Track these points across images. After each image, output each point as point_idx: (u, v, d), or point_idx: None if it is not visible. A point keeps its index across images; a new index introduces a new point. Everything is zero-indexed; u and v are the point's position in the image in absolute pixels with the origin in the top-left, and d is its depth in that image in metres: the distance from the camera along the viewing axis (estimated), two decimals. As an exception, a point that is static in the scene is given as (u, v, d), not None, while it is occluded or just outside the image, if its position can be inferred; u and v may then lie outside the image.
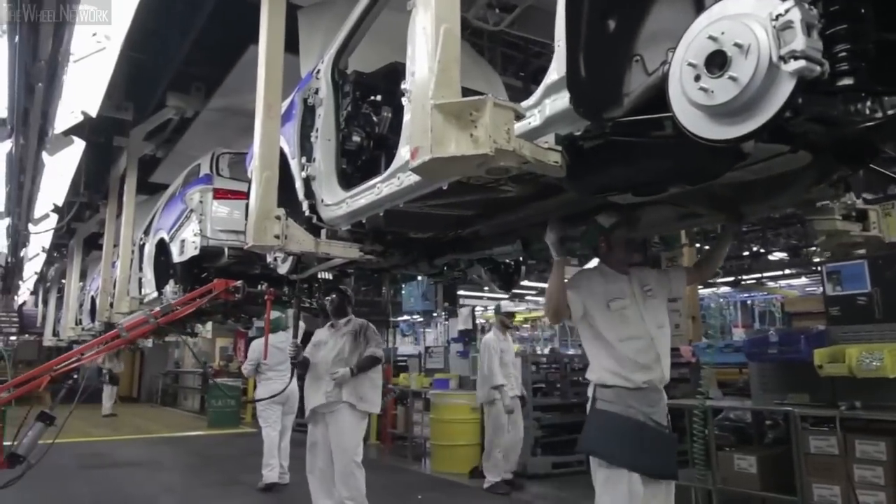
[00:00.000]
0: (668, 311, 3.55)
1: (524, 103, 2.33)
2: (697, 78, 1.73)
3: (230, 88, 6.84)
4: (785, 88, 1.59)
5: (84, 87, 4.72)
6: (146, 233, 7.81)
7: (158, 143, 8.46)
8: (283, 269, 4.26)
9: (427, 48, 2.12)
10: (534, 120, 2.31)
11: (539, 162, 2.17)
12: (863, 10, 1.67)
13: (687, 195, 3.26)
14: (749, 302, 18.55)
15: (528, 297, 21.25)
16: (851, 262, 4.86)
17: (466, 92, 2.25)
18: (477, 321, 10.63)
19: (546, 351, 17.70)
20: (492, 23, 4.21)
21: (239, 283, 4.80)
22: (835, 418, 4.40)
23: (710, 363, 5.60)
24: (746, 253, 14.53)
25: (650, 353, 3.23)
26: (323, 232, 3.67)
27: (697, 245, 8.56)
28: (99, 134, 7.53)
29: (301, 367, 4.88)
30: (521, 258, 4.86)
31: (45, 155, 6.00)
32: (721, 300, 17.01)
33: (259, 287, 5.12)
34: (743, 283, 15.77)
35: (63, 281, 13.09)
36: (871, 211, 3.47)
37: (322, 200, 3.69)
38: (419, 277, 9.81)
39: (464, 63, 4.04)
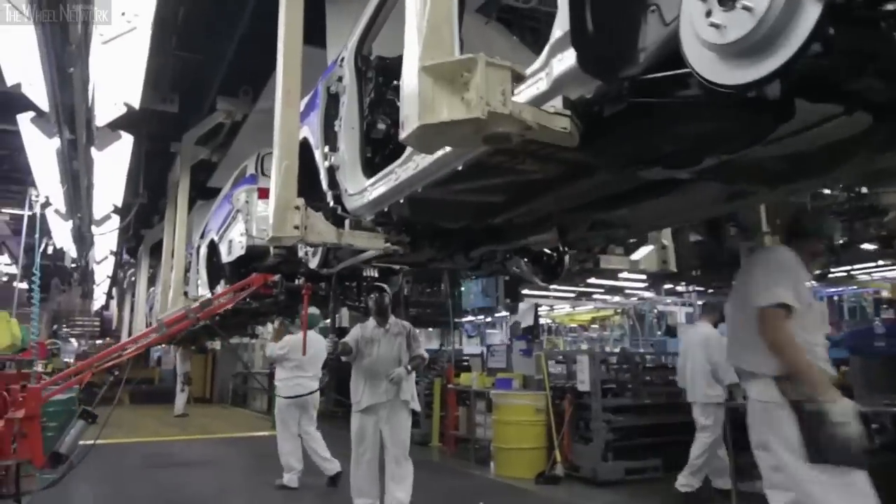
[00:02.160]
0: None
1: (530, 67, 2.13)
2: (708, 13, 1.49)
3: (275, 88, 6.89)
4: (810, 15, 1.34)
5: (122, 77, 4.75)
6: (202, 236, 8.01)
7: (213, 148, 8.66)
8: (313, 262, 4.21)
9: (416, 6, 1.96)
10: (541, 84, 2.11)
11: (543, 128, 1.97)
12: None
13: (731, 169, 2.96)
14: (836, 298, 17.41)
15: (595, 296, 20.72)
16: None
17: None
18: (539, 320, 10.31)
19: (616, 351, 17.13)
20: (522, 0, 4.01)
21: (276, 277, 4.79)
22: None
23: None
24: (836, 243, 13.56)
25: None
26: (347, 223, 3.56)
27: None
28: (154, 140, 7.74)
29: (344, 353, 4.99)
30: (563, 248, 4.63)
31: (94, 150, 6.11)
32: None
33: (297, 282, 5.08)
34: (830, 276, 14.69)
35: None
36: (949, 181, 3.07)
37: (346, 190, 3.60)
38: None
39: (497, 45, 3.87)
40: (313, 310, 6.33)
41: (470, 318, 20.39)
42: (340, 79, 3.76)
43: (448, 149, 2.66)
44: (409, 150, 2.96)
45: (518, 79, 1.93)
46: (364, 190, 3.42)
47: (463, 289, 10.46)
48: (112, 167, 6.83)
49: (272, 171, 3.38)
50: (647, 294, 19.21)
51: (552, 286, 11.65)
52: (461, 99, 1.81)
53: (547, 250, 4.79)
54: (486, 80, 1.79)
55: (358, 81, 3.69)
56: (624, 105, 2.12)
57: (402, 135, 1.95)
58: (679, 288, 17.71)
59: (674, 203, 3.54)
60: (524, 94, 2.10)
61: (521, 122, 1.88)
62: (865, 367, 4.88)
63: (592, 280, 16.64)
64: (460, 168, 2.68)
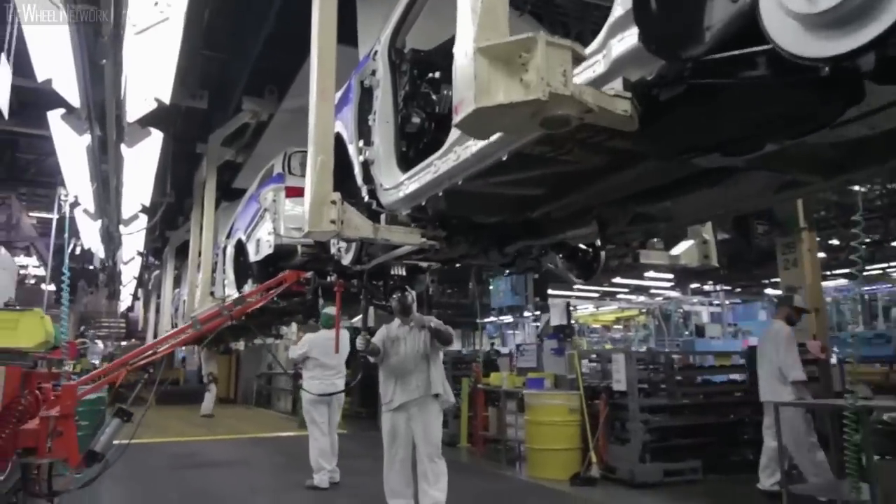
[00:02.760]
0: None
1: (587, 49, 2.04)
2: (796, -18, 1.39)
3: (301, 88, 6.85)
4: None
5: (153, 71, 4.71)
6: (228, 236, 8.00)
7: (238, 149, 8.66)
8: (346, 259, 4.14)
9: (469, -14, 1.87)
10: (598, 66, 2.02)
11: (604, 111, 1.87)
12: None
13: (786, 158, 2.84)
14: (867, 297, 16.99)
15: (619, 296, 20.48)
16: None
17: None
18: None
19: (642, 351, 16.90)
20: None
21: (309, 274, 4.75)
22: None
23: (855, 357, 5.03)
24: (868, 240, 13.26)
25: None
26: (382, 217, 3.49)
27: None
28: (180, 140, 7.73)
29: (372, 353, 4.94)
30: (599, 243, 4.52)
31: (124, 147, 6.08)
32: (838, 294, 15.56)
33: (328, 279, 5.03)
34: (865, 273, 14.33)
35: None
36: None
37: (381, 185, 3.53)
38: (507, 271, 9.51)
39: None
40: (330, 310, 6.22)
41: (492, 318, 20.29)
42: (374, 72, 3.69)
43: (494, 138, 2.58)
44: (449, 141, 2.89)
45: (577, 60, 1.83)
46: (400, 184, 3.35)
47: (491, 287, 10.29)
48: (141, 166, 6.78)
49: (307, 167, 3.32)
50: (673, 294, 18.97)
51: (577, 285, 11.48)
52: (519, 80, 1.73)
53: (583, 246, 4.68)
54: (546, 60, 1.70)
55: (392, 75, 3.62)
56: (684, 87, 2.02)
57: (456, 119, 1.86)
58: (706, 287, 17.49)
59: (720, 194, 3.41)
60: (581, 76, 2.00)
61: (582, 104, 1.78)
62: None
63: (617, 279, 16.52)
64: (504, 158, 2.58)
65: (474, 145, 2.71)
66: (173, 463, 8.28)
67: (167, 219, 10.02)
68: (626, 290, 18.42)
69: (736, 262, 13.35)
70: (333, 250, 4.28)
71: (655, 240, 4.59)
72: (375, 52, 3.74)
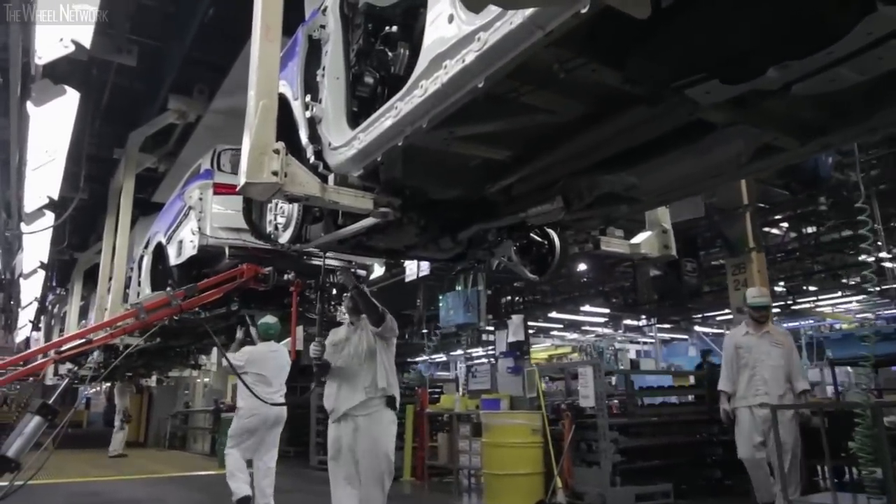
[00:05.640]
0: None
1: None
2: None
3: (234, 84, 6.44)
4: None
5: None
6: (146, 246, 7.32)
7: (161, 156, 8.05)
8: (284, 237, 3.69)
9: None
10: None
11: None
12: None
13: (765, 114, 2.70)
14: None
15: (553, 332, 20.41)
16: None
17: None
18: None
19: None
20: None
21: (268, 269, 4.27)
22: None
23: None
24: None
25: None
26: (330, 179, 3.10)
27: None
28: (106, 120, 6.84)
29: (322, 370, 4.38)
30: (556, 241, 4.29)
31: (30, 107, 5.09)
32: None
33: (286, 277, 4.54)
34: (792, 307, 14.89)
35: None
36: None
37: (330, 144, 3.17)
38: (458, 287, 9.12)
39: None
40: (270, 318, 5.71)
41: (423, 357, 19.74)
42: (323, 26, 3.37)
43: (466, 62, 2.29)
44: (415, 75, 2.58)
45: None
46: (353, 139, 3.00)
47: (441, 304, 9.65)
48: (51, 141, 5.76)
49: (247, 113, 2.92)
50: (606, 330, 19.12)
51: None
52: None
53: (537, 238, 4.44)
54: None
55: (344, 28, 3.31)
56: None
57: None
58: (639, 323, 17.71)
59: (692, 165, 3.26)
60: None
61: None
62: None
63: (553, 314, 16.48)
64: (480, 85, 2.29)
65: (445, 75, 2.41)
66: (72, 502, 7.30)
67: (78, 228, 9.04)
68: (560, 326, 18.42)
69: (669, 296, 13.62)
70: (270, 228, 3.82)
71: (617, 232, 4.42)
72: (325, 8, 3.43)
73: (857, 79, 2.35)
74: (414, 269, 9.69)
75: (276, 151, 2.77)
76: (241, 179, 2.77)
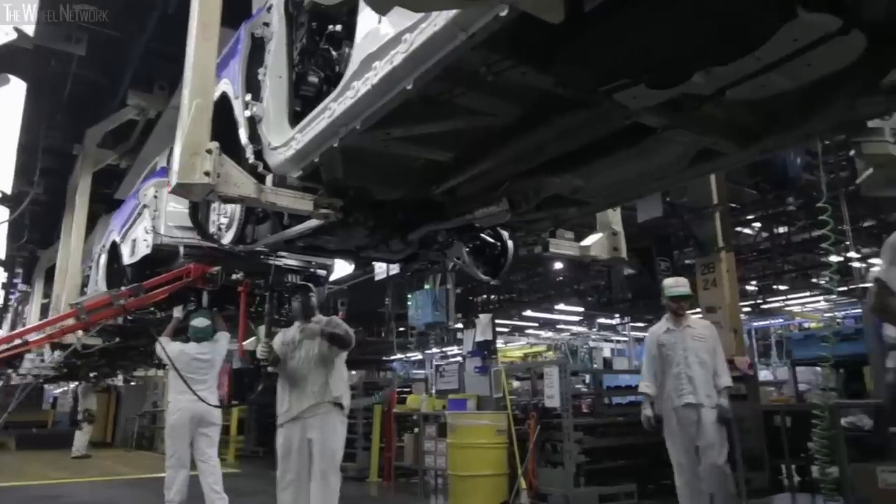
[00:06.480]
0: None
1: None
2: None
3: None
4: None
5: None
6: (104, 245, 7.19)
7: (122, 152, 7.91)
8: (227, 237, 3.63)
9: None
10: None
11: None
12: None
13: (702, 119, 2.71)
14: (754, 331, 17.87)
15: (528, 331, 20.50)
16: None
17: None
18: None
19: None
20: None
21: (216, 269, 4.20)
22: None
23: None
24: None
25: None
26: (269, 179, 3.06)
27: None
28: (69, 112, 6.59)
29: (273, 363, 4.37)
30: (508, 235, 4.27)
31: None
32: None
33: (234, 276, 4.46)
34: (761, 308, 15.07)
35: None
36: (928, 138, 2.91)
37: (269, 144, 3.12)
38: (427, 286, 9.05)
39: None
40: (200, 321, 5.42)
41: (399, 355, 19.69)
42: (267, 24, 3.31)
43: (395, 63, 2.27)
44: (347, 76, 2.54)
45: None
46: (291, 139, 2.95)
47: (410, 302, 9.56)
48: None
49: (180, 113, 2.86)
50: (580, 329, 19.21)
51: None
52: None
53: (490, 239, 4.42)
54: None
55: (288, 26, 3.26)
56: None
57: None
58: (613, 322, 17.81)
59: (635, 168, 3.26)
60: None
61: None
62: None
63: (528, 312, 16.53)
64: (409, 87, 2.26)
65: (374, 76, 2.38)
66: (25, 505, 7.16)
67: (38, 224, 8.80)
68: (535, 324, 18.49)
69: (642, 295, 13.72)
70: (213, 229, 3.76)
71: (567, 234, 4.41)
72: (270, 5, 3.38)
73: (789, 85, 2.37)
74: (383, 267, 9.64)
75: (210, 151, 2.72)
76: (172, 180, 2.72)
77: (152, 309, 5.64)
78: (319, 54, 3.25)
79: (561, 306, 16.05)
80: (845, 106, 2.58)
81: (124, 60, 6.46)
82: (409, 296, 9.70)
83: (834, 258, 9.70)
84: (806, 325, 16.08)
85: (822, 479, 5.43)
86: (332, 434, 4.30)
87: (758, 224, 12.47)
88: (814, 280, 14.94)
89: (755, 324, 17.00)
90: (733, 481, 5.14)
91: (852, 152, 2.82)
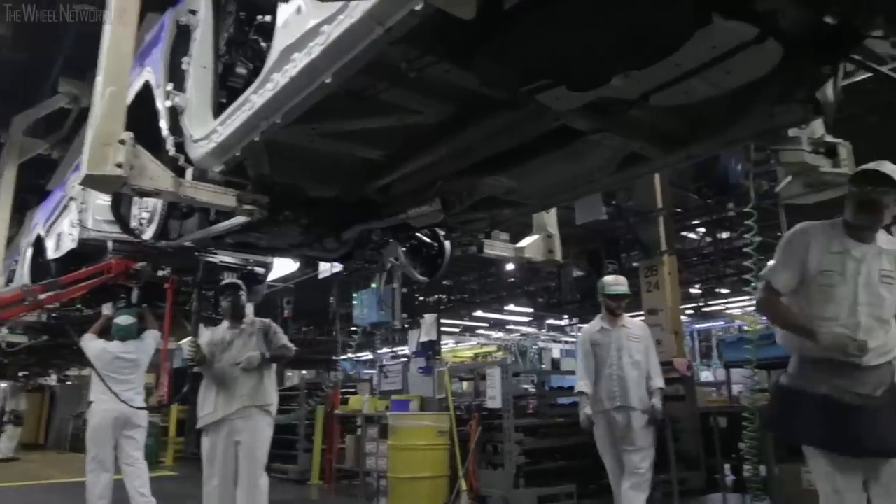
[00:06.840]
0: None
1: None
2: None
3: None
4: None
5: None
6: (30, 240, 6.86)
7: (54, 142, 7.57)
8: (148, 232, 3.49)
9: None
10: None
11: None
12: None
13: (628, 123, 2.73)
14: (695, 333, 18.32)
15: (479, 332, 20.57)
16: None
17: None
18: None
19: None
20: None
21: (141, 264, 4.01)
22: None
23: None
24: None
25: None
26: (189, 173, 2.95)
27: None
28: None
29: (201, 363, 4.24)
30: (444, 235, 4.24)
31: None
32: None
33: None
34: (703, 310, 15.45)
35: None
36: (842, 146, 2.99)
37: (191, 136, 3.00)
38: (373, 284, 8.94)
39: None
40: (126, 318, 5.08)
41: (350, 355, 19.46)
42: (193, 12, 3.19)
43: (313, 56, 2.20)
44: (266, 67, 2.47)
45: None
46: (212, 132, 2.85)
47: (355, 302, 9.43)
48: None
49: (93, 101, 2.73)
50: (530, 329, 19.38)
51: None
52: None
53: (427, 239, 4.38)
54: None
55: (215, 14, 3.15)
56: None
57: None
58: (562, 323, 18.01)
59: (566, 170, 3.27)
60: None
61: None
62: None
63: (479, 313, 16.57)
64: (329, 80, 2.19)
65: (293, 69, 2.30)
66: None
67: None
68: (485, 324, 18.56)
69: (590, 296, 13.91)
70: (134, 223, 3.61)
71: (502, 235, 4.40)
72: (197, -7, 3.26)
73: (711, 92, 2.40)
74: (328, 265, 9.50)
75: (122, 142, 2.59)
76: (82, 170, 2.59)
77: (78, 305, 5.39)
78: (248, 45, 3.15)
79: (511, 307, 16.14)
80: (765, 114, 2.62)
81: (56, 43, 6.17)
82: (355, 295, 9.57)
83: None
84: (745, 327, 16.58)
85: (752, 479, 5.60)
86: (260, 437, 4.24)
87: (702, 229, 12.77)
88: (753, 284, 15.40)
89: (697, 326, 17.44)
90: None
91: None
